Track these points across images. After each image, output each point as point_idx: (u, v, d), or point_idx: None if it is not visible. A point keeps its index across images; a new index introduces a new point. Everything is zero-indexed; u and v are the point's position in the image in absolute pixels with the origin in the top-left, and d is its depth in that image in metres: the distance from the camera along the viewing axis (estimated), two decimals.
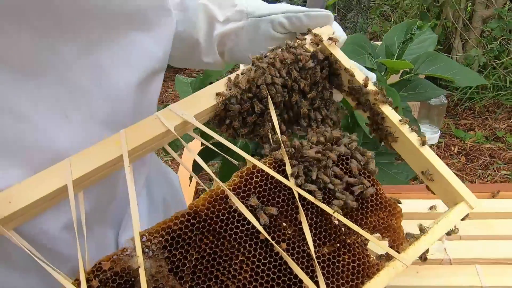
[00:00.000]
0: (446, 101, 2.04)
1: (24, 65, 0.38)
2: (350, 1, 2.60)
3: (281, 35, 0.57)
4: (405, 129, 0.52)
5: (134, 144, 0.44)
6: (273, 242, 0.42)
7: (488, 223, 0.53)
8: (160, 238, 0.41)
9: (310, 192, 0.45)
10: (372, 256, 0.45)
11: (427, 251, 0.46)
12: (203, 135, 0.80)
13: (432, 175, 0.50)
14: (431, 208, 0.70)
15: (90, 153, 0.42)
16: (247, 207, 0.43)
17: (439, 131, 2.07)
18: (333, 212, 0.44)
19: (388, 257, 0.46)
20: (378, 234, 0.47)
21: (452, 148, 2.06)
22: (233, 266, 0.41)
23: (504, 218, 0.53)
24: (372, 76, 0.58)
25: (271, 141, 0.51)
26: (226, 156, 0.51)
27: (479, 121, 2.20)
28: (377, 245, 0.45)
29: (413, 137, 0.51)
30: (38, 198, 0.39)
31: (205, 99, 0.48)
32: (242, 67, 0.53)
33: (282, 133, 0.51)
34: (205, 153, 0.86)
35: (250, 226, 0.43)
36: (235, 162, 0.50)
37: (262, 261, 0.41)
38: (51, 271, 0.37)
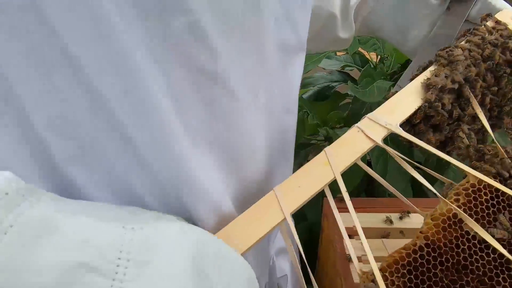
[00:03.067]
0: None
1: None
2: None
3: (436, 2, 0.49)
4: None
5: (344, 164, 0.37)
6: None
7: None
8: (403, 278, 0.34)
9: None
10: None
11: None
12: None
13: None
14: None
15: (299, 179, 0.36)
16: (489, 233, 0.36)
17: None
18: None
19: None
20: None
21: None
22: None
23: None
24: None
25: (470, 149, 0.43)
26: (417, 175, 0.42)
27: None
28: None
29: None
30: (259, 238, 0.33)
31: (402, 105, 0.41)
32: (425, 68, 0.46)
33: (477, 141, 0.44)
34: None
35: (497, 256, 0.35)
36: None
37: None
38: None
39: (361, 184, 0.88)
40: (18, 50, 0.24)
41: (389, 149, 0.39)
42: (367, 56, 0.92)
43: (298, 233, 0.36)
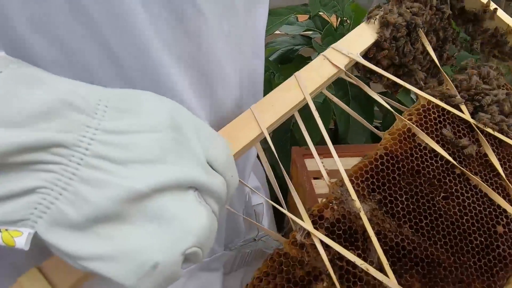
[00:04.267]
0: None
1: None
2: None
3: None
4: None
5: (312, 86, 0.40)
6: (470, 175, 0.40)
7: None
8: (367, 181, 0.38)
9: (485, 124, 0.44)
10: None
11: None
12: None
13: None
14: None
15: (273, 99, 0.39)
16: (437, 142, 0.41)
17: None
18: None
19: None
20: None
21: None
22: (439, 203, 0.39)
23: None
24: None
25: (419, 81, 0.49)
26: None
27: None
28: None
29: None
30: (238, 150, 0.36)
31: (362, 37, 0.45)
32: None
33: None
34: None
35: (444, 162, 0.41)
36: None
37: (465, 194, 0.40)
38: None
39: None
40: None
41: (351, 76, 0.43)
42: (328, 20, 0.97)
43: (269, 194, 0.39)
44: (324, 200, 0.37)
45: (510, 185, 0.41)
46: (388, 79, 0.46)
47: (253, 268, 0.57)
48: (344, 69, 0.42)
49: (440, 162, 0.41)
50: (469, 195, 0.40)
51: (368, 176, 0.38)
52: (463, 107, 0.44)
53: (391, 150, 0.40)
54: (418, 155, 0.40)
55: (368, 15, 0.47)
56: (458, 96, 0.44)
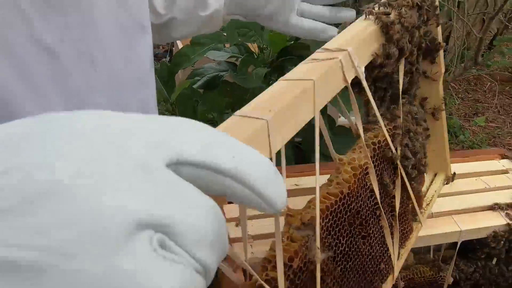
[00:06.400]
0: None
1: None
2: None
3: None
4: None
5: (324, 100, 0.32)
6: (384, 217, 0.43)
7: (454, 183, 0.69)
8: (327, 223, 0.35)
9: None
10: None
11: None
12: None
13: None
14: None
15: (286, 110, 0.28)
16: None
17: None
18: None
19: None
20: None
21: None
22: (358, 243, 0.41)
23: (465, 177, 0.70)
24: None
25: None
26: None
27: None
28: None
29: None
30: None
31: (366, 46, 0.38)
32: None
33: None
34: None
35: (374, 203, 0.42)
36: None
37: (375, 235, 0.43)
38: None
39: None
40: None
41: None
42: (250, 47, 1.04)
43: None
44: (294, 241, 0.32)
45: (397, 226, 0.47)
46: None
47: None
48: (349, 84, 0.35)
49: (372, 203, 0.42)
50: (377, 235, 0.43)
51: (330, 217, 0.35)
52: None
53: (352, 189, 0.37)
54: (363, 195, 0.40)
55: (368, 11, 0.40)
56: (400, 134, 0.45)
